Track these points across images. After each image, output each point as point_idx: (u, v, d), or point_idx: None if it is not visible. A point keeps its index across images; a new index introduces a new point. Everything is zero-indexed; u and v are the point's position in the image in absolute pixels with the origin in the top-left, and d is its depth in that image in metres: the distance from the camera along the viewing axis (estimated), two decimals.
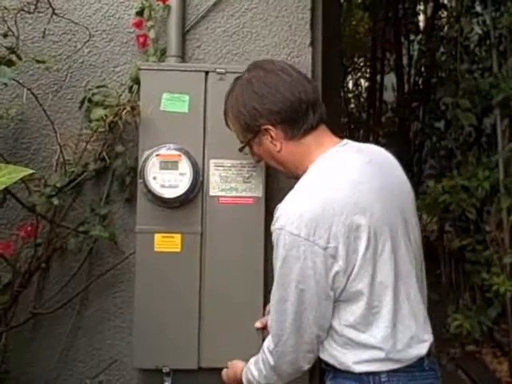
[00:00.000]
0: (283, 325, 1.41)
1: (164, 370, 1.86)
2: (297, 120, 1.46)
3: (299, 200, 1.40)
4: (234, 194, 1.87)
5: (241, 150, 1.61)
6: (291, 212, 1.37)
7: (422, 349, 1.42)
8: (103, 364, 2.03)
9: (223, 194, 1.87)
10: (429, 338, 1.45)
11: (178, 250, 1.87)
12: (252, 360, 1.58)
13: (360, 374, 1.39)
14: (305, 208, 1.36)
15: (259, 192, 1.88)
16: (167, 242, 1.87)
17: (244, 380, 1.59)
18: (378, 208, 1.38)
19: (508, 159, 3.04)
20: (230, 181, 1.87)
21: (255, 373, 1.54)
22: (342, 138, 1.54)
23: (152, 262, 1.86)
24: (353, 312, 1.39)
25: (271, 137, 1.47)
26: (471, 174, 3.03)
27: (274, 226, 1.40)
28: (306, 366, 1.47)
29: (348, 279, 1.36)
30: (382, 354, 1.38)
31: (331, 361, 1.43)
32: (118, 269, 2.02)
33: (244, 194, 1.88)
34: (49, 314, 1.97)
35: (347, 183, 1.39)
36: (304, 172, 1.47)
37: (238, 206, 1.88)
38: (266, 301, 1.85)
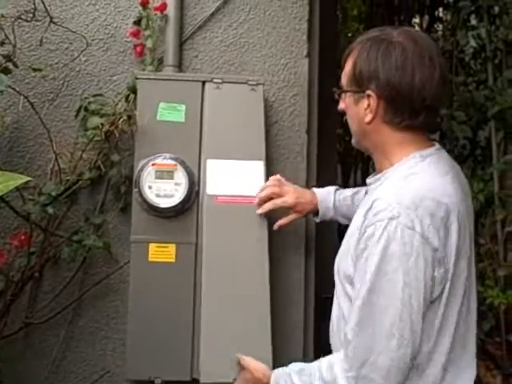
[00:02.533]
0: (374, 339, 1.21)
1: (156, 382, 1.84)
2: (404, 111, 1.33)
3: (414, 193, 1.25)
4: (232, 193, 1.82)
5: (336, 93, 1.49)
6: (405, 203, 1.23)
7: None
8: (95, 375, 2.01)
9: (221, 193, 1.82)
10: None
11: (173, 260, 1.86)
12: (296, 367, 1.38)
13: None
14: (419, 202, 1.23)
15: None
16: (162, 252, 1.86)
17: None
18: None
19: (502, 172, 3.05)
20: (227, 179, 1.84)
21: None
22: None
23: (146, 272, 1.85)
24: None
25: (368, 105, 1.36)
26: None
27: (379, 216, 1.23)
28: None
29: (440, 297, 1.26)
30: None
31: None
32: (112, 278, 2.00)
33: (244, 193, 1.83)
34: (41, 323, 1.96)
35: (455, 191, 1.31)
36: (391, 163, 1.37)
37: (237, 209, 1.82)
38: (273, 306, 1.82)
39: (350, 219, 1.56)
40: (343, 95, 1.47)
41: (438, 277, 1.24)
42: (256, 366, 1.56)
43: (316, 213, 1.84)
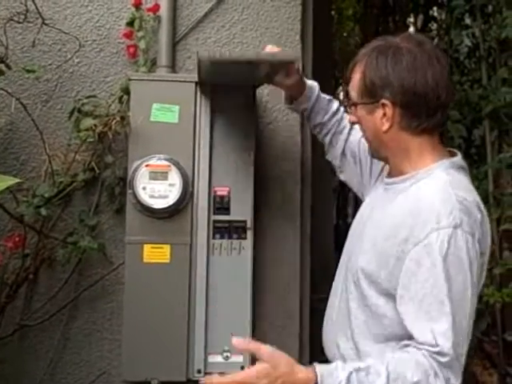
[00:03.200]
0: (459, 339, 1.24)
1: (152, 383, 1.85)
2: (421, 113, 1.34)
3: (463, 198, 1.28)
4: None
5: (347, 105, 1.50)
6: (461, 208, 1.26)
7: None
8: (91, 376, 2.01)
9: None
10: None
11: (167, 260, 1.86)
12: (353, 365, 1.25)
13: None
14: (471, 209, 1.27)
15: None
16: (156, 253, 1.86)
17: None
18: None
19: (497, 170, 3.05)
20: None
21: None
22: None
23: (141, 272, 1.85)
24: None
25: (384, 114, 1.36)
26: None
27: (441, 224, 1.24)
28: None
29: None
30: None
31: None
32: (107, 280, 2.00)
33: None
34: (36, 325, 1.96)
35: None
36: (413, 167, 1.37)
37: None
38: (255, 313, 1.84)
39: (314, 118, 1.75)
40: (353, 108, 1.47)
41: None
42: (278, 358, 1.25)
43: (295, 98, 1.77)
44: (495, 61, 3.16)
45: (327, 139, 1.79)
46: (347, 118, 1.77)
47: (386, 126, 1.37)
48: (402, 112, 1.35)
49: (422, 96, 1.33)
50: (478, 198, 1.34)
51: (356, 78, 1.42)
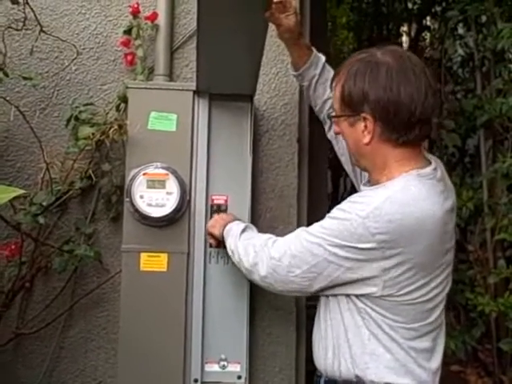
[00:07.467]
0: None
1: None
2: (399, 128, 1.37)
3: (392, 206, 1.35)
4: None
5: (331, 117, 1.54)
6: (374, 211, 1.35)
7: None
8: None
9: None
10: None
11: (165, 269, 1.85)
12: (248, 236, 1.62)
13: None
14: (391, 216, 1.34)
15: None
16: (153, 262, 1.85)
17: (225, 236, 1.69)
18: None
19: (491, 180, 3.06)
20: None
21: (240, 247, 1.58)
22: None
23: (138, 281, 1.84)
24: None
25: (366, 127, 1.39)
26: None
27: (355, 206, 1.37)
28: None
29: None
30: None
31: None
32: (103, 288, 2.00)
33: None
34: (32, 334, 1.94)
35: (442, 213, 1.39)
36: (388, 178, 1.39)
37: None
38: (252, 322, 1.84)
39: (321, 90, 1.77)
40: (339, 120, 1.49)
41: None
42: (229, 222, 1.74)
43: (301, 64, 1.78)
44: (489, 71, 3.17)
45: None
46: None
47: (367, 139, 1.40)
48: (382, 125, 1.38)
49: (396, 113, 1.35)
50: (423, 205, 1.33)
51: (338, 90, 1.45)
